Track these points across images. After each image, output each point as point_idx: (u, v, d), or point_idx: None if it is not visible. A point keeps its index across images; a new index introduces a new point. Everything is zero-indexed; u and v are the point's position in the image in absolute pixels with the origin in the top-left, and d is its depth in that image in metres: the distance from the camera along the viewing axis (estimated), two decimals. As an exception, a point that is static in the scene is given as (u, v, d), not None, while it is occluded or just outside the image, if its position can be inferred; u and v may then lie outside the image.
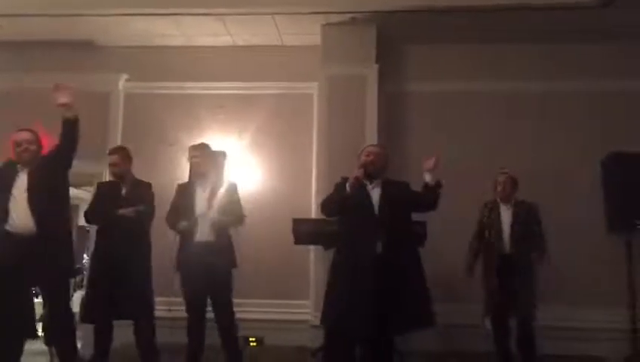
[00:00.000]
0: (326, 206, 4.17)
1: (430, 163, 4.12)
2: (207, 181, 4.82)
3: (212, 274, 4.54)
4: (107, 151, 5.07)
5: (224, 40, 6.71)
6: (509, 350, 5.04)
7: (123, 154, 4.94)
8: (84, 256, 8.67)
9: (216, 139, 6.48)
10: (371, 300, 3.74)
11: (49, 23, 6.32)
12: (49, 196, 4.18)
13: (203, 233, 4.63)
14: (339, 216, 4.14)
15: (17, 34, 6.54)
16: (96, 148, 6.62)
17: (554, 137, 6.32)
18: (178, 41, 6.74)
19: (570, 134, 6.30)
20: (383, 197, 4.04)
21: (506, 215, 5.14)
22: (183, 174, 6.11)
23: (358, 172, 4.03)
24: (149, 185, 4.95)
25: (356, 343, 4.09)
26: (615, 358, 5.23)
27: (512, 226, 5.06)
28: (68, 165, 4.35)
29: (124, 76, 6.84)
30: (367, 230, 3.92)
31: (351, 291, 3.82)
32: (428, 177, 4.10)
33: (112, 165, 4.90)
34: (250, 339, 5.84)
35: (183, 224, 4.62)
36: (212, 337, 4.68)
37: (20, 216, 4.09)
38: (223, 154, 5.67)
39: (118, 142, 6.62)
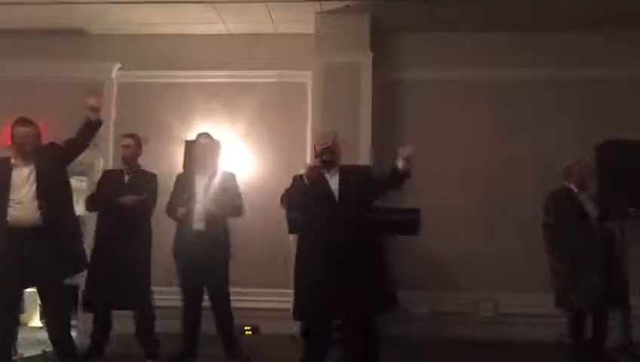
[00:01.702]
0: (285, 199, 4.14)
1: (407, 152, 3.91)
2: (208, 170, 4.84)
3: (205, 263, 4.57)
4: (121, 135, 5.06)
5: (217, 28, 6.67)
6: None
7: (136, 140, 4.96)
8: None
9: (209, 128, 6.45)
10: (335, 286, 3.74)
11: (40, 11, 6.26)
12: (57, 188, 4.19)
13: (199, 222, 4.65)
14: (300, 208, 4.12)
15: (8, 22, 6.47)
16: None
17: (549, 125, 6.34)
18: (171, 29, 6.69)
19: (565, 122, 6.32)
20: (342, 184, 4.02)
21: (588, 204, 5.21)
22: (177, 164, 6.12)
23: (313, 162, 4.02)
24: (153, 176, 4.95)
25: (331, 329, 4.09)
26: (607, 345, 5.26)
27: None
28: (70, 162, 4.37)
29: (117, 65, 6.80)
30: (329, 218, 3.90)
31: (316, 280, 3.82)
32: (400, 164, 3.92)
33: (125, 147, 4.90)
34: (246, 328, 5.87)
35: (181, 210, 4.64)
36: (209, 326, 4.72)
37: (27, 209, 4.04)
38: (217, 144, 5.67)
39: (111, 132, 6.62)
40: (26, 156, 4.16)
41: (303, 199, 4.02)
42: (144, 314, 4.70)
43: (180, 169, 5.98)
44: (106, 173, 5.10)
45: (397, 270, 6.11)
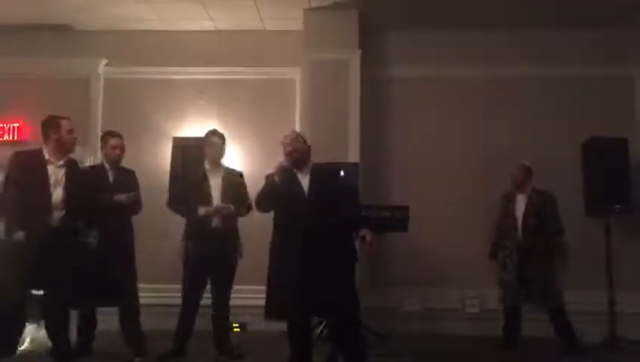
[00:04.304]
0: (259, 201, 4.10)
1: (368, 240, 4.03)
2: (219, 168, 4.86)
3: (218, 259, 4.65)
4: (107, 133, 4.94)
5: (205, 24, 6.64)
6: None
7: (123, 139, 4.88)
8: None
9: (198, 124, 6.44)
10: (304, 286, 3.73)
11: (26, 7, 6.19)
12: None
13: (217, 219, 4.71)
14: (272, 207, 4.09)
15: (-7, 17, 6.41)
16: (76, 134, 6.56)
17: (536, 122, 6.38)
18: (159, 25, 6.64)
19: (551, 119, 6.36)
20: (312, 183, 4.02)
21: (520, 204, 5.32)
22: (165, 160, 6.09)
23: (283, 160, 4.00)
24: (133, 173, 4.91)
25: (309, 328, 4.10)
26: (593, 340, 5.33)
27: (525, 216, 5.25)
28: None
29: (104, 61, 6.75)
30: (299, 217, 3.88)
31: (286, 279, 3.81)
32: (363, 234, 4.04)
33: (116, 148, 4.79)
34: (234, 325, 5.86)
35: (206, 210, 4.67)
36: (199, 323, 4.74)
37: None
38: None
39: (99, 128, 6.55)
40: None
41: (274, 198, 4.01)
42: (129, 311, 4.67)
43: (167, 166, 5.99)
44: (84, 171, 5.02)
45: (386, 267, 6.20)
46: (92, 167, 5.02)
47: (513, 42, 6.50)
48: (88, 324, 4.72)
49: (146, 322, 4.80)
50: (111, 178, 4.77)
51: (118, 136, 4.85)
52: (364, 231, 3.97)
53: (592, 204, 5.83)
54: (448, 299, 6.19)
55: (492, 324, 5.58)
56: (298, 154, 4.02)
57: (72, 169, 4.36)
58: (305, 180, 4.01)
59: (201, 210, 4.67)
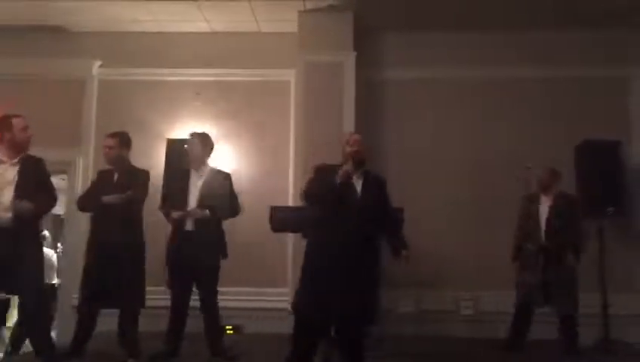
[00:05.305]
0: (312, 194, 4.09)
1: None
2: (202, 170, 4.84)
3: (195, 264, 4.60)
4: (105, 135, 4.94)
5: (200, 26, 6.64)
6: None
7: (119, 138, 4.81)
8: (58, 244, 8.59)
9: (192, 126, 6.42)
10: (340, 290, 3.75)
11: (20, 8, 6.18)
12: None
13: (189, 223, 4.69)
14: (322, 204, 4.08)
15: (-13, 18, 6.38)
16: (69, 135, 6.57)
17: (534, 123, 6.38)
18: (153, 27, 6.64)
19: (549, 120, 6.36)
20: (365, 189, 4.04)
21: (544, 206, 5.28)
22: (159, 161, 6.08)
23: (348, 165, 3.97)
24: (144, 173, 4.86)
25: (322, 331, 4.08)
26: (586, 343, 5.33)
27: (549, 219, 5.21)
28: None
29: (98, 62, 6.73)
30: (350, 218, 3.90)
31: (323, 279, 3.82)
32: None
33: (105, 147, 4.80)
34: (227, 327, 5.84)
35: (177, 213, 4.66)
36: (192, 325, 4.71)
37: None
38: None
39: (92, 130, 6.55)
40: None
41: (328, 196, 3.98)
42: (128, 313, 4.66)
43: (161, 167, 5.97)
44: (100, 173, 5.01)
45: (381, 269, 6.18)
46: (104, 171, 4.99)
47: (510, 43, 6.50)
48: (87, 325, 4.67)
49: (141, 323, 4.77)
50: (115, 179, 4.76)
51: (108, 136, 4.84)
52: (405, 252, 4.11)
53: (586, 206, 5.83)
54: (443, 300, 6.19)
55: (486, 326, 5.60)
56: (363, 156, 4.05)
57: (27, 167, 4.24)
58: (358, 183, 4.03)
59: (175, 214, 4.67)
